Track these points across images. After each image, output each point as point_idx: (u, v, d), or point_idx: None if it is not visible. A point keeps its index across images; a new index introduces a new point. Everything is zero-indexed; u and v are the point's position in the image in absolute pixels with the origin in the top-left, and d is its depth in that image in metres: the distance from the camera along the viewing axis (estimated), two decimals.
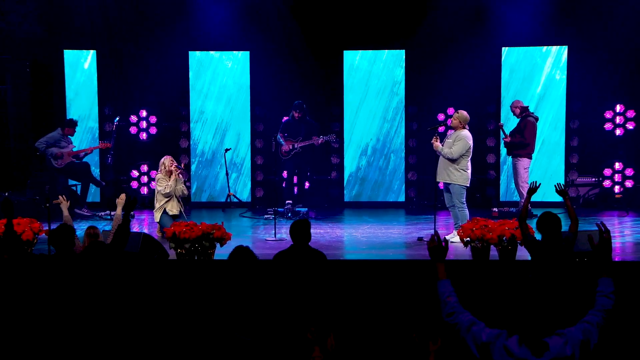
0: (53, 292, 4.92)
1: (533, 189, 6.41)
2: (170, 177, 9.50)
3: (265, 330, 4.33)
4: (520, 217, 6.18)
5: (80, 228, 8.63)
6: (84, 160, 11.63)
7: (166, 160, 9.60)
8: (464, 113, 8.99)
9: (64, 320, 4.76)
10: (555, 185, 6.38)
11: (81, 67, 12.52)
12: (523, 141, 10.85)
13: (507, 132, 10.99)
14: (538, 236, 6.13)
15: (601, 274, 3.81)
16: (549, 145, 12.12)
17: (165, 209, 9.41)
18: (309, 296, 5.26)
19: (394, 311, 6.53)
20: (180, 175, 9.55)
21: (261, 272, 4.75)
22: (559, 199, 11.85)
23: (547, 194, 12.03)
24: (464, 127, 8.96)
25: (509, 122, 11.56)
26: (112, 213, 10.94)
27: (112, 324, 4.73)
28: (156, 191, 9.53)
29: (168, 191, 9.39)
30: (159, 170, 9.61)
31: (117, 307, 4.87)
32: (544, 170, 12.06)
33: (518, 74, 12.20)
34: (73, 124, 11.45)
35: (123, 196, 7.06)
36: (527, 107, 11.11)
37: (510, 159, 11.23)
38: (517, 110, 11.03)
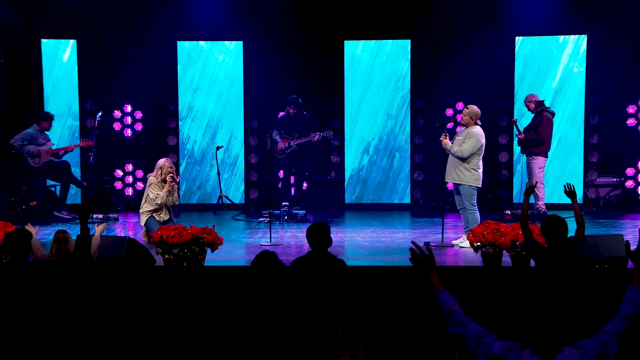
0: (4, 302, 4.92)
1: (528, 190, 6.39)
2: (164, 184, 9.32)
3: (273, 342, 4.35)
4: (522, 220, 6.16)
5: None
6: (64, 158, 11.62)
7: (164, 165, 9.37)
8: (474, 108, 8.99)
9: (21, 331, 4.75)
10: (564, 186, 6.36)
11: (60, 57, 12.51)
12: (538, 138, 10.85)
13: (521, 129, 11.00)
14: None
15: (632, 282, 3.80)
16: (566, 143, 12.12)
17: (152, 214, 9.38)
18: (329, 305, 5.25)
19: (399, 321, 6.53)
20: (176, 182, 9.40)
21: (278, 279, 4.76)
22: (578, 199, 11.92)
23: (564, 196, 12.08)
24: (475, 123, 8.96)
25: (523, 118, 11.57)
26: (95, 216, 10.94)
27: (87, 336, 4.73)
28: (145, 193, 9.48)
29: (159, 202, 9.28)
30: (154, 172, 9.44)
31: (93, 317, 4.87)
32: (561, 169, 12.07)
33: (533, 65, 12.21)
34: (49, 117, 11.42)
35: (103, 227, 6.94)
36: (543, 101, 11.11)
37: (524, 157, 11.23)
38: (532, 105, 11.03)
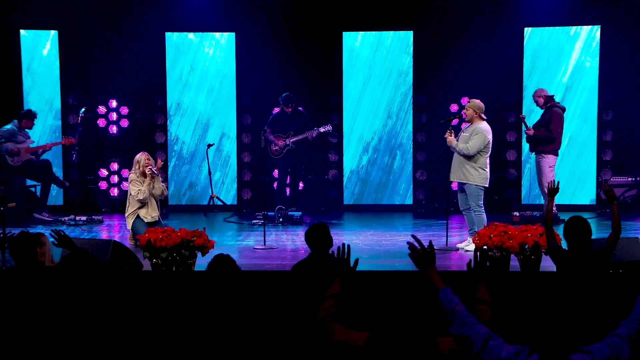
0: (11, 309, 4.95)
1: (553, 190, 6.41)
2: (145, 179, 9.45)
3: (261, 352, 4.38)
4: (546, 223, 6.19)
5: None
6: (45, 157, 11.63)
7: (141, 158, 9.51)
8: (477, 101, 9.03)
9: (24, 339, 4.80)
10: (603, 185, 6.34)
11: (40, 50, 12.53)
12: (549, 135, 10.88)
13: (530, 125, 11.03)
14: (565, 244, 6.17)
15: None
16: (577, 141, 12.16)
17: (138, 214, 9.42)
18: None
19: (401, 329, 6.57)
20: (155, 173, 9.45)
21: (278, 284, 4.77)
22: (586, 201, 11.97)
23: (577, 196, 12.13)
24: (481, 119, 8.99)
25: (533, 114, 11.61)
26: (78, 218, 10.96)
27: (72, 344, 4.76)
28: (128, 193, 9.53)
29: (142, 197, 9.33)
30: (133, 169, 9.57)
31: (78, 324, 4.90)
32: (572, 168, 12.12)
33: (542, 58, 12.25)
34: (32, 116, 11.42)
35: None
36: (553, 96, 11.15)
37: (533, 156, 11.26)
38: (541, 100, 11.06)
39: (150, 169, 9.41)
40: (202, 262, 7.57)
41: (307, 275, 5.68)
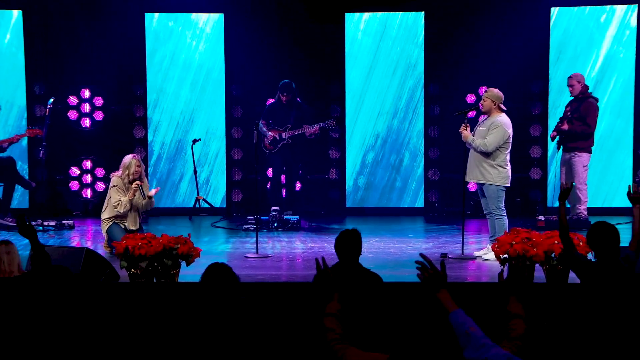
0: None
1: (565, 191, 6.33)
2: (129, 188, 9.34)
3: None
4: (561, 228, 6.11)
5: None
6: (7, 153, 11.59)
7: (131, 164, 9.37)
8: (494, 91, 9.02)
9: None
10: (629, 186, 6.27)
11: (3, 33, 12.52)
12: (585, 130, 10.83)
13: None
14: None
15: None
16: (610, 137, 12.15)
17: (115, 220, 9.41)
18: (364, 327, 5.28)
19: (411, 346, 6.57)
20: (142, 195, 9.38)
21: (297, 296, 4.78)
22: (621, 204, 11.95)
23: (610, 198, 12.13)
24: (499, 110, 8.99)
25: (557, 109, 11.61)
26: (45, 223, 10.95)
27: None
28: (108, 195, 9.51)
29: (121, 211, 9.29)
30: (120, 171, 9.45)
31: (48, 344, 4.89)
32: (604, 167, 12.12)
33: (571, 42, 12.23)
34: None
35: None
36: (588, 86, 11.10)
37: (559, 153, 11.21)
38: (579, 87, 10.87)
39: (139, 185, 9.34)
40: (186, 273, 7.57)
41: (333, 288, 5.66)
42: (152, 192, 9.59)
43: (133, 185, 9.33)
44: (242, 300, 4.67)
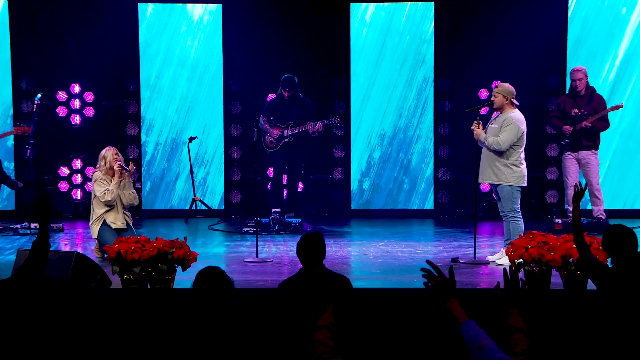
0: None
1: (579, 193, 6.33)
2: (112, 177, 9.44)
3: None
4: (575, 231, 6.12)
5: None
6: None
7: (108, 154, 9.49)
8: (505, 85, 9.01)
9: None
10: None
11: None
12: (605, 126, 10.90)
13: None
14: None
15: None
16: (632, 137, 12.09)
17: (105, 220, 9.42)
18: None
19: (418, 356, 6.56)
20: (126, 174, 9.45)
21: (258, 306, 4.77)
22: None
23: (631, 200, 12.11)
24: (512, 106, 8.98)
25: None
26: (33, 225, 10.96)
27: None
28: (92, 195, 9.52)
29: (109, 198, 9.31)
30: (98, 166, 9.55)
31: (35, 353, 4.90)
32: (625, 169, 12.09)
33: (590, 34, 12.21)
34: None
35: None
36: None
37: (563, 154, 11.11)
38: (585, 82, 10.91)
39: (120, 164, 9.40)
40: (182, 278, 7.57)
41: (296, 295, 5.67)
42: (132, 166, 9.61)
43: (115, 167, 9.36)
44: (237, 306, 4.67)
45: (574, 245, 7.31)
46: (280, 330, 5.36)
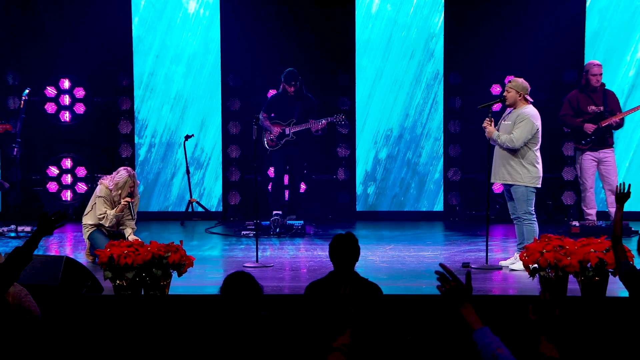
0: None
1: (624, 195, 6.30)
2: (118, 202, 9.40)
3: None
4: (614, 237, 6.12)
5: None
6: None
7: (126, 183, 9.39)
8: (519, 80, 9.01)
9: None
10: None
11: None
12: (620, 124, 10.90)
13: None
14: (638, 263, 6.13)
15: None
16: None
17: (100, 224, 9.43)
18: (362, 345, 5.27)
19: None
20: (132, 215, 9.46)
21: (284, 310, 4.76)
22: None
23: None
24: (525, 102, 8.97)
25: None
26: (20, 228, 10.96)
27: None
28: (92, 201, 9.49)
29: (106, 225, 9.38)
30: (111, 181, 9.46)
31: None
32: None
33: (609, 27, 12.20)
34: None
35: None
36: None
37: (581, 154, 11.09)
38: (600, 77, 10.94)
39: (129, 203, 9.40)
40: (178, 284, 7.57)
41: (326, 298, 5.64)
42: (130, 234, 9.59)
43: (122, 201, 9.38)
44: (265, 317, 4.63)
45: (593, 250, 7.33)
46: (302, 340, 5.33)
